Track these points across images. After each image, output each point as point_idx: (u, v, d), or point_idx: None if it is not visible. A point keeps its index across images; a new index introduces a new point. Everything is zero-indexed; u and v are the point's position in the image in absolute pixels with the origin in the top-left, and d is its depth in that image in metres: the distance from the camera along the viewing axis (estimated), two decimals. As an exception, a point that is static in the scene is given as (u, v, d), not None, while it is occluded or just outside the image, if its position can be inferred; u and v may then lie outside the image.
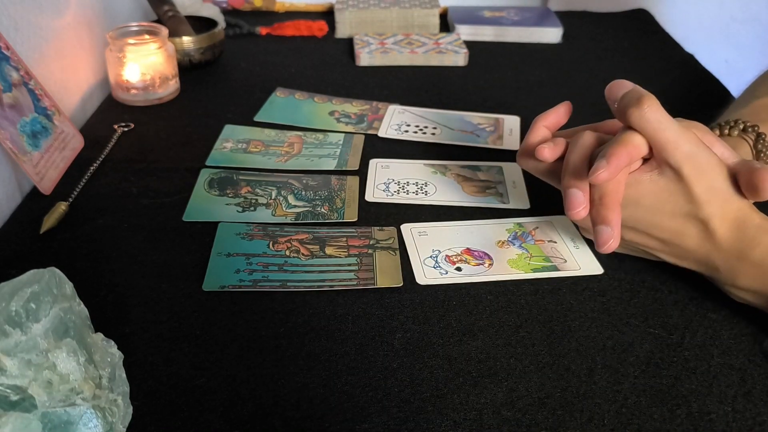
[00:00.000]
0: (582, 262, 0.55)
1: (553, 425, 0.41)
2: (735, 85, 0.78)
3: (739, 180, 0.47)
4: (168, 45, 0.80)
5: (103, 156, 0.69)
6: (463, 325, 0.49)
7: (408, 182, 0.65)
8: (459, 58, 0.94)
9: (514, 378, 0.45)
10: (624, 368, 0.45)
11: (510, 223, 0.60)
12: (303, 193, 0.63)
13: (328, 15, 1.11)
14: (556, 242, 0.57)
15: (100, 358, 0.39)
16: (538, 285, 0.53)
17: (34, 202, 0.61)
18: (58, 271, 0.39)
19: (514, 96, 0.85)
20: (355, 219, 0.60)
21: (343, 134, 0.74)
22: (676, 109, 0.51)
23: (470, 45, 0.98)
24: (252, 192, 0.63)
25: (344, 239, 0.57)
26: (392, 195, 0.63)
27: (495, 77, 0.91)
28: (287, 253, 0.55)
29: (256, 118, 0.77)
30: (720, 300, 0.50)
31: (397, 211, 0.61)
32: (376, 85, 0.87)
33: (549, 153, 0.52)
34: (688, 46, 1.01)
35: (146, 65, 0.79)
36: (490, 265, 0.54)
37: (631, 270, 0.54)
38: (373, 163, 0.69)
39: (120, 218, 0.60)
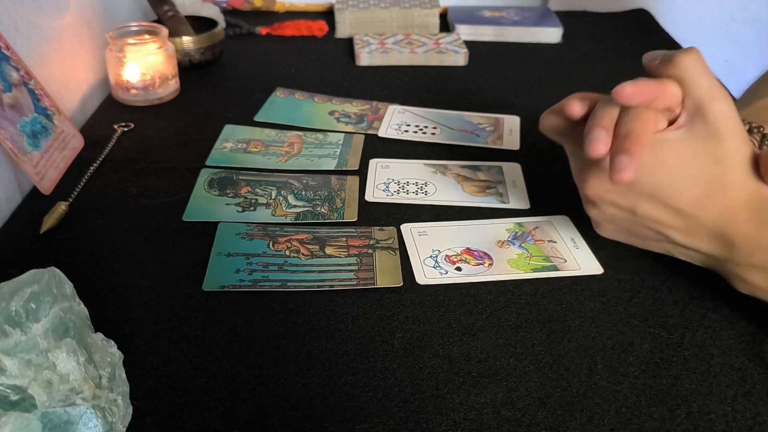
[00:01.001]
0: (582, 262, 0.55)
1: (553, 425, 0.41)
2: (735, 85, 0.78)
3: (760, 164, 0.47)
4: (168, 45, 0.80)
5: (103, 156, 0.69)
6: (463, 325, 0.49)
7: (408, 182, 0.65)
8: (459, 58, 0.94)
9: (514, 378, 0.45)
10: (624, 368, 0.45)
11: (510, 223, 0.60)
12: (303, 193, 0.63)
13: (328, 15, 1.11)
14: (556, 242, 0.57)
15: (100, 358, 0.39)
16: (538, 285, 0.53)
17: (34, 202, 0.61)
18: (58, 271, 0.39)
19: (514, 96, 0.85)
20: (355, 219, 0.60)
21: (343, 134, 0.74)
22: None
23: (470, 45, 0.98)
24: (252, 192, 0.63)
25: (344, 239, 0.57)
26: (392, 195, 0.63)
27: (495, 77, 0.91)
28: (287, 253, 0.55)
29: (256, 118, 0.77)
30: (720, 300, 0.50)
31: (397, 211, 0.61)
32: (376, 85, 0.87)
33: (579, 107, 0.51)
34: (688, 46, 1.01)
35: (146, 65, 0.79)
36: (490, 265, 0.54)
37: (631, 270, 0.54)
38: (373, 163, 0.69)
39: (120, 218, 0.60)
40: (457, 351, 0.47)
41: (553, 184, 0.64)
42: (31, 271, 0.38)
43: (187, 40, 0.87)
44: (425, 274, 0.53)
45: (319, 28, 1.04)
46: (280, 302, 0.50)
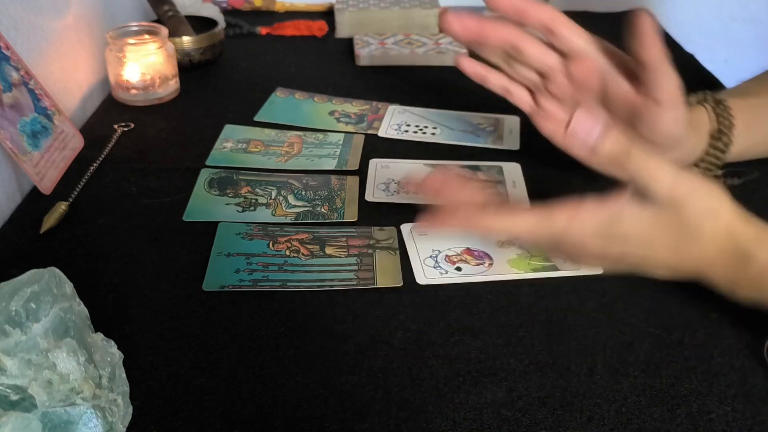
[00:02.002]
0: (582, 262, 0.55)
1: (553, 425, 0.41)
2: (735, 85, 0.78)
3: (636, 51, 0.48)
4: (168, 45, 0.80)
5: (103, 156, 0.69)
6: (463, 325, 0.49)
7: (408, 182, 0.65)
8: (459, 58, 0.94)
9: (514, 378, 0.45)
10: (624, 368, 0.45)
11: (510, 223, 0.60)
12: (303, 192, 0.63)
13: (328, 15, 1.11)
14: (556, 242, 0.57)
15: (100, 358, 0.39)
16: (538, 285, 0.53)
17: (34, 202, 0.61)
18: (58, 271, 0.39)
19: (514, 96, 0.85)
20: (355, 219, 0.60)
21: (343, 134, 0.74)
22: (676, 109, 0.51)
23: (470, 45, 0.98)
24: (252, 192, 0.63)
25: (344, 239, 0.57)
26: (392, 195, 0.63)
27: (495, 77, 0.90)
28: (287, 252, 0.55)
29: (256, 118, 0.77)
30: (720, 300, 0.50)
31: (397, 211, 0.61)
32: (376, 85, 0.87)
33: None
34: (688, 46, 1.01)
35: (146, 65, 0.79)
36: (490, 264, 0.54)
37: (631, 270, 0.54)
38: (373, 163, 0.69)
39: (120, 218, 0.60)
40: (457, 351, 0.47)
41: (553, 184, 0.64)
42: (31, 271, 0.38)
43: (187, 40, 0.87)
44: (425, 274, 0.53)
45: (319, 28, 1.04)
46: (280, 302, 0.50)
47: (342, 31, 1.04)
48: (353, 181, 0.65)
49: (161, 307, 0.50)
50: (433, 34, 1.01)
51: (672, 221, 0.45)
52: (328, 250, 0.56)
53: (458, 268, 0.54)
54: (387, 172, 0.67)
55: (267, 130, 0.75)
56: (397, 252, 0.56)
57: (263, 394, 0.43)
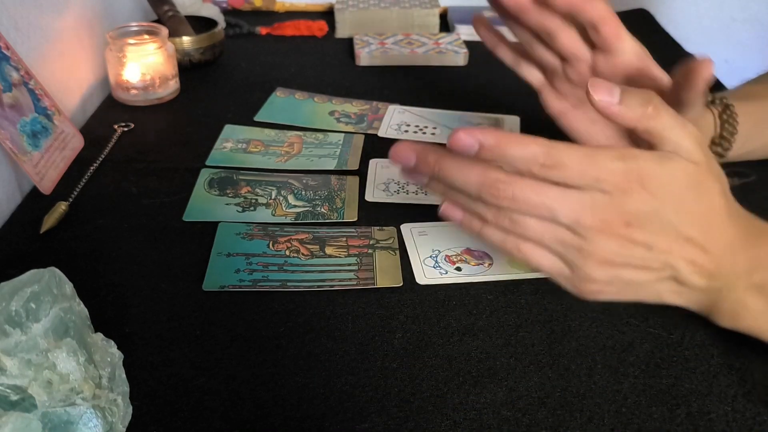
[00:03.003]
0: (582, 262, 0.55)
1: (553, 425, 0.41)
2: (735, 85, 0.78)
3: (678, 81, 0.47)
4: (168, 45, 0.80)
5: (103, 156, 0.69)
6: (463, 325, 0.49)
7: (408, 182, 0.65)
8: (459, 58, 0.94)
9: (514, 378, 0.45)
10: (624, 368, 0.45)
11: (510, 223, 0.60)
12: (303, 192, 0.63)
13: (328, 15, 1.11)
14: (556, 242, 0.57)
15: (100, 358, 0.39)
16: (538, 285, 0.53)
17: (34, 202, 0.61)
18: (58, 271, 0.39)
19: (514, 96, 0.85)
20: (355, 219, 0.60)
21: (343, 134, 0.74)
22: (676, 109, 0.51)
23: (470, 45, 0.98)
24: (252, 192, 0.63)
25: (344, 239, 0.57)
26: (392, 195, 0.63)
27: (495, 77, 0.91)
28: (287, 253, 0.55)
29: (256, 118, 0.77)
30: (720, 300, 0.50)
31: (397, 211, 0.61)
32: (376, 85, 0.87)
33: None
34: (688, 46, 1.01)
35: (146, 65, 0.79)
36: (489, 265, 0.54)
37: (631, 270, 0.54)
38: (373, 163, 0.69)
39: (120, 218, 0.60)
40: (457, 351, 0.47)
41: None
42: (31, 271, 0.38)
43: (187, 40, 0.87)
44: (425, 274, 0.53)
45: (319, 28, 1.04)
46: (280, 302, 0.50)
47: (342, 31, 1.04)
48: (353, 181, 0.65)
49: (161, 307, 0.50)
50: (433, 34, 1.01)
51: (705, 177, 0.39)
52: (328, 250, 0.56)
53: (458, 268, 0.54)
54: (387, 172, 0.67)
55: (267, 130, 0.75)
56: (397, 252, 0.56)
57: (263, 394, 0.43)
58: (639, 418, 0.42)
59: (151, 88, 0.80)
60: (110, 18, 0.89)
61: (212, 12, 1.01)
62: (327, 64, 0.94)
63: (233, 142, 0.72)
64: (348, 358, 0.46)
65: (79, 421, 0.36)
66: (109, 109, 0.79)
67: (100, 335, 0.40)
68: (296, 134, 0.74)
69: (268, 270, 0.53)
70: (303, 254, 0.55)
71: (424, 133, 0.75)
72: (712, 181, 0.40)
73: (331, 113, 0.79)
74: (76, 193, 0.62)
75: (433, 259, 0.55)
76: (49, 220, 0.57)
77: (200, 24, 0.93)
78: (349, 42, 1.02)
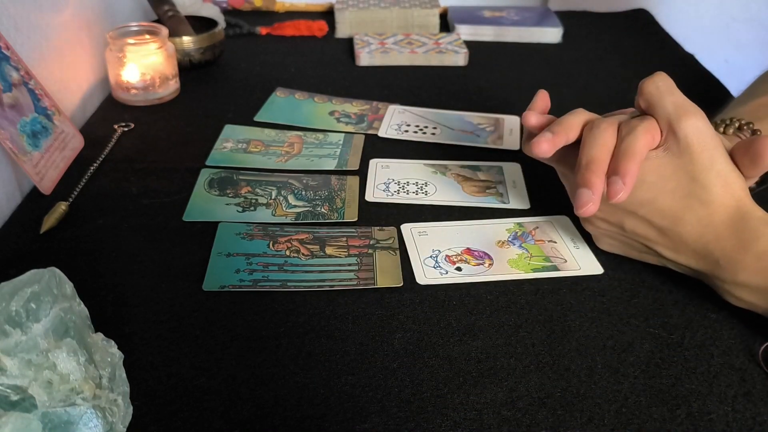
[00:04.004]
0: (582, 262, 0.55)
1: (553, 425, 0.41)
2: (735, 85, 0.78)
3: (737, 156, 0.47)
4: (168, 45, 0.80)
5: (103, 156, 0.69)
6: (463, 325, 0.49)
7: (408, 182, 0.65)
8: (459, 58, 0.94)
9: (514, 378, 0.45)
10: (624, 368, 0.45)
11: (510, 223, 0.60)
12: (303, 193, 0.63)
13: (328, 15, 1.11)
14: (556, 242, 0.57)
15: (100, 358, 0.39)
16: (538, 285, 0.53)
17: (34, 202, 0.61)
18: (58, 271, 0.39)
19: (514, 96, 0.85)
20: (355, 219, 0.60)
21: (343, 134, 0.74)
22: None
23: (470, 45, 0.98)
24: (252, 192, 0.63)
25: (344, 239, 0.57)
26: (392, 195, 0.63)
27: (495, 77, 0.91)
28: (287, 253, 0.55)
29: (256, 118, 0.77)
30: (720, 300, 0.50)
31: (397, 211, 0.61)
32: (376, 85, 0.87)
33: (547, 146, 0.51)
34: (688, 46, 1.01)
35: (146, 65, 0.79)
36: (490, 265, 0.54)
37: (631, 270, 0.54)
38: (373, 163, 0.69)
39: (120, 218, 0.60)
40: (457, 351, 0.47)
41: (553, 184, 0.64)
42: (31, 271, 0.38)
43: (187, 40, 0.87)
44: (425, 274, 0.53)
45: (319, 28, 1.04)
46: (280, 302, 0.50)
47: (342, 31, 1.04)
48: (353, 181, 0.65)
49: (161, 307, 0.50)
50: (433, 34, 1.01)
51: (684, 170, 0.47)
52: (328, 250, 0.56)
53: (458, 268, 0.54)
54: (387, 172, 0.67)
55: (267, 130, 0.75)
56: (397, 252, 0.56)
57: (263, 394, 0.43)
58: (639, 418, 0.42)
59: (151, 88, 0.80)
60: (110, 18, 0.89)
61: (212, 12, 1.01)
62: (327, 64, 0.94)
63: (233, 142, 0.72)
64: (348, 358, 0.46)
65: (80, 421, 0.36)
66: (109, 109, 0.79)
67: (100, 335, 0.40)
68: (296, 134, 0.74)
69: (268, 270, 0.53)
70: (303, 254, 0.55)
71: (424, 133, 0.75)
72: (685, 169, 0.48)
73: (331, 113, 0.79)
74: (76, 193, 0.62)
75: (434, 259, 0.55)
76: (49, 220, 0.57)
77: (200, 24, 0.93)
78: (349, 42, 1.02)
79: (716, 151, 0.47)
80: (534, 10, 1.12)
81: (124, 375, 0.40)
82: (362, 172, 0.67)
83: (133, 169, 0.67)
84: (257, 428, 0.41)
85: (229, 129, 0.75)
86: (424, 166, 0.68)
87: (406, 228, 0.59)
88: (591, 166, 0.48)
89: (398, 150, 0.72)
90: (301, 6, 1.16)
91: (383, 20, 1.04)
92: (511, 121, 0.77)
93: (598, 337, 0.48)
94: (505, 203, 0.63)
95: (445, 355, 0.46)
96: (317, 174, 0.67)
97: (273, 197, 0.62)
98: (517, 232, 0.58)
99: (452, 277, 0.53)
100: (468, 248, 0.56)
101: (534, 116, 0.54)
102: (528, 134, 0.56)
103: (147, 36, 0.81)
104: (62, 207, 0.59)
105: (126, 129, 0.74)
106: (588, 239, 0.57)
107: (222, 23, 0.98)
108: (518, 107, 0.81)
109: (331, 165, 0.68)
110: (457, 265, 0.54)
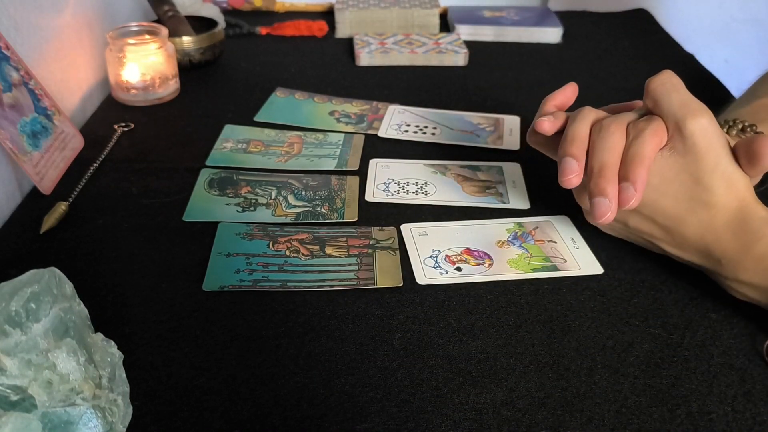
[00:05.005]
0: (582, 262, 0.55)
1: (553, 425, 0.41)
2: (735, 85, 0.78)
3: (739, 154, 0.47)
4: (168, 45, 0.80)
5: (103, 156, 0.69)
6: (463, 325, 0.49)
7: (408, 182, 0.65)
8: (459, 58, 0.94)
9: (514, 378, 0.45)
10: (624, 368, 0.45)
11: (510, 223, 0.60)
12: (303, 193, 0.63)
13: (328, 15, 1.11)
14: (556, 242, 0.57)
15: (100, 358, 0.39)
16: (538, 285, 0.53)
17: (34, 202, 0.61)
18: (58, 271, 0.39)
19: (514, 96, 0.85)
20: (355, 219, 0.60)
21: (343, 134, 0.74)
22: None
23: (470, 45, 0.98)
24: (252, 192, 0.63)
25: (344, 239, 0.57)
26: (392, 195, 0.63)
27: (495, 77, 0.91)
28: (287, 253, 0.55)
29: (256, 118, 0.77)
30: (720, 300, 0.50)
31: (397, 211, 0.61)
32: (376, 85, 0.87)
33: (548, 126, 0.53)
34: (688, 46, 1.01)
35: (146, 65, 0.79)
36: (490, 265, 0.54)
37: (631, 270, 0.54)
38: (373, 163, 0.69)
39: (120, 218, 0.60)
40: (457, 351, 0.47)
41: (553, 184, 0.64)
42: (31, 271, 0.38)
43: (187, 40, 0.87)
44: (425, 274, 0.53)
45: (319, 28, 1.04)
46: (280, 302, 0.50)
47: (342, 31, 1.04)
48: (353, 181, 0.65)
49: (161, 307, 0.50)
50: (433, 34, 1.01)
51: (688, 171, 0.47)
52: (328, 250, 0.56)
53: (458, 268, 0.54)
54: (387, 172, 0.67)
55: (267, 130, 0.75)
56: (397, 252, 0.56)
57: (263, 394, 0.43)
58: (639, 418, 0.42)
59: (151, 88, 0.80)
60: (110, 18, 0.89)
61: (212, 12, 1.01)
62: (327, 64, 0.94)
63: (233, 142, 0.72)
64: (348, 358, 0.46)
65: (79, 421, 0.36)
66: (109, 109, 0.79)
67: (100, 335, 0.40)
68: (296, 134, 0.74)
69: (268, 270, 0.53)
70: (303, 254, 0.55)
71: (424, 133, 0.75)
72: (689, 169, 0.48)
73: (331, 113, 0.79)
74: (76, 193, 0.62)
75: (433, 259, 0.55)
76: (49, 220, 0.57)
77: (200, 24, 0.93)
78: (349, 42, 1.02)
79: (722, 151, 0.47)
80: (534, 10, 1.12)
81: (124, 375, 0.40)
82: (362, 172, 0.67)
83: (133, 169, 0.67)
84: (257, 428, 0.41)
85: (229, 129, 0.75)
86: (424, 166, 0.68)
87: (406, 228, 0.59)
88: (603, 173, 0.48)
89: (398, 150, 0.72)
90: (301, 6, 1.16)
91: (383, 20, 1.04)
92: (510, 121, 0.77)
93: (598, 337, 0.48)
94: (504, 203, 0.63)
95: (445, 355, 0.46)
96: (317, 174, 0.67)
97: (273, 197, 0.63)
98: (517, 232, 0.58)
99: (452, 277, 0.53)
100: (468, 248, 0.56)
101: (548, 123, 0.54)
102: (532, 125, 0.56)
103: (147, 36, 0.81)
104: (62, 207, 0.59)
105: (126, 129, 0.74)
106: (588, 239, 0.57)
107: (222, 23, 0.98)
108: (518, 107, 0.81)
109: (331, 165, 0.68)
110: (457, 265, 0.54)
